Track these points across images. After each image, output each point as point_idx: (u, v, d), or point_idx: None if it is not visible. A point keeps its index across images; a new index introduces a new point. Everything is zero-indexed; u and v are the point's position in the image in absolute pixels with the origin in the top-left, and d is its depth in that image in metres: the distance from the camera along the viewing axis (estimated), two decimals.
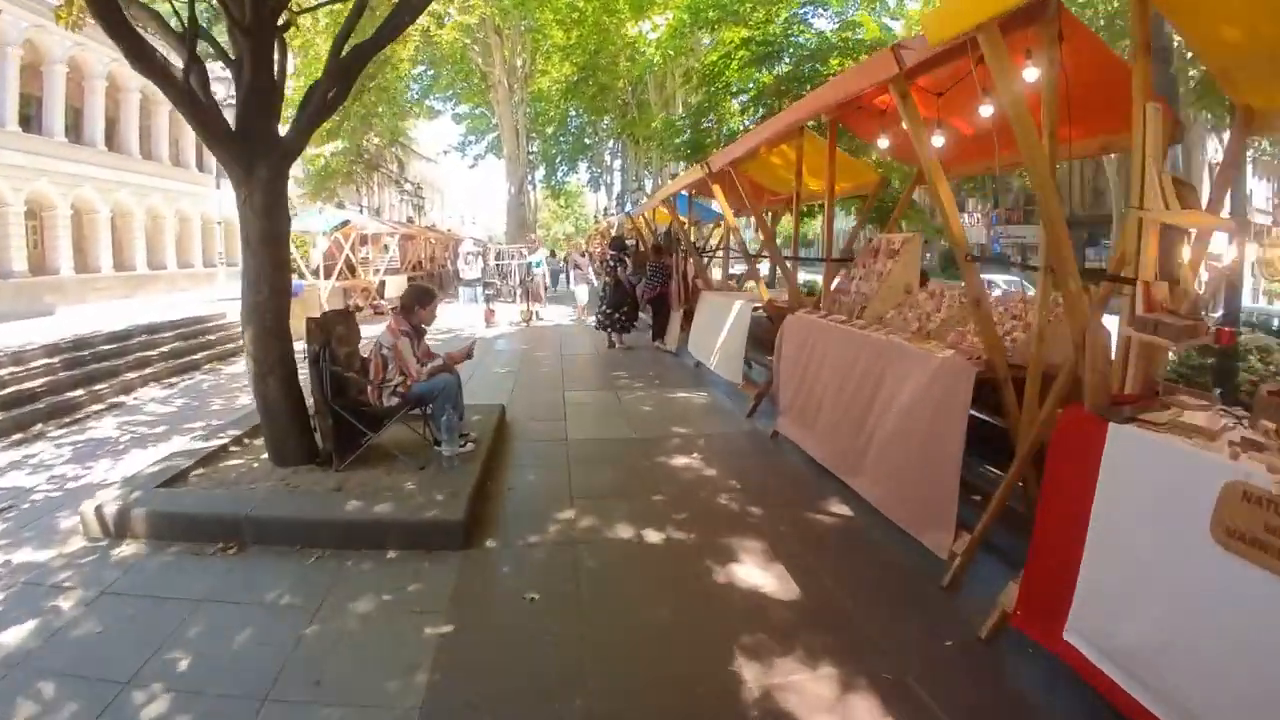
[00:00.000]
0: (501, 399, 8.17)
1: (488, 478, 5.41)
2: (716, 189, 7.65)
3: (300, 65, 21.52)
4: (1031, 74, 3.64)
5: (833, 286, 6.50)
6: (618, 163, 49.63)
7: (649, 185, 34.88)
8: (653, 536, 4.49)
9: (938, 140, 4.95)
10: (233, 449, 5.99)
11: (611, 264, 12.30)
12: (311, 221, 17.13)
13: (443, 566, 4.11)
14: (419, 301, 5.64)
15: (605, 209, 46.35)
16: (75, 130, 26.81)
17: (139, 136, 29.77)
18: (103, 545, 4.47)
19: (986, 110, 4.47)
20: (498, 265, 17.47)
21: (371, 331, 6.29)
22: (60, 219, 26.09)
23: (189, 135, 29.45)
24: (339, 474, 5.20)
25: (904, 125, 5.34)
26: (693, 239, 14.27)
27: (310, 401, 5.36)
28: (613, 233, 17.97)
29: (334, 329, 5.41)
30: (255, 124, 5.04)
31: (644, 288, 13.66)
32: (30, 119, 24.87)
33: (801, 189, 7.09)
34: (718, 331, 8.36)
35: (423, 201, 48.73)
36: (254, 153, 5.01)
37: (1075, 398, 4.59)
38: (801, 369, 5.93)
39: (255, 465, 5.53)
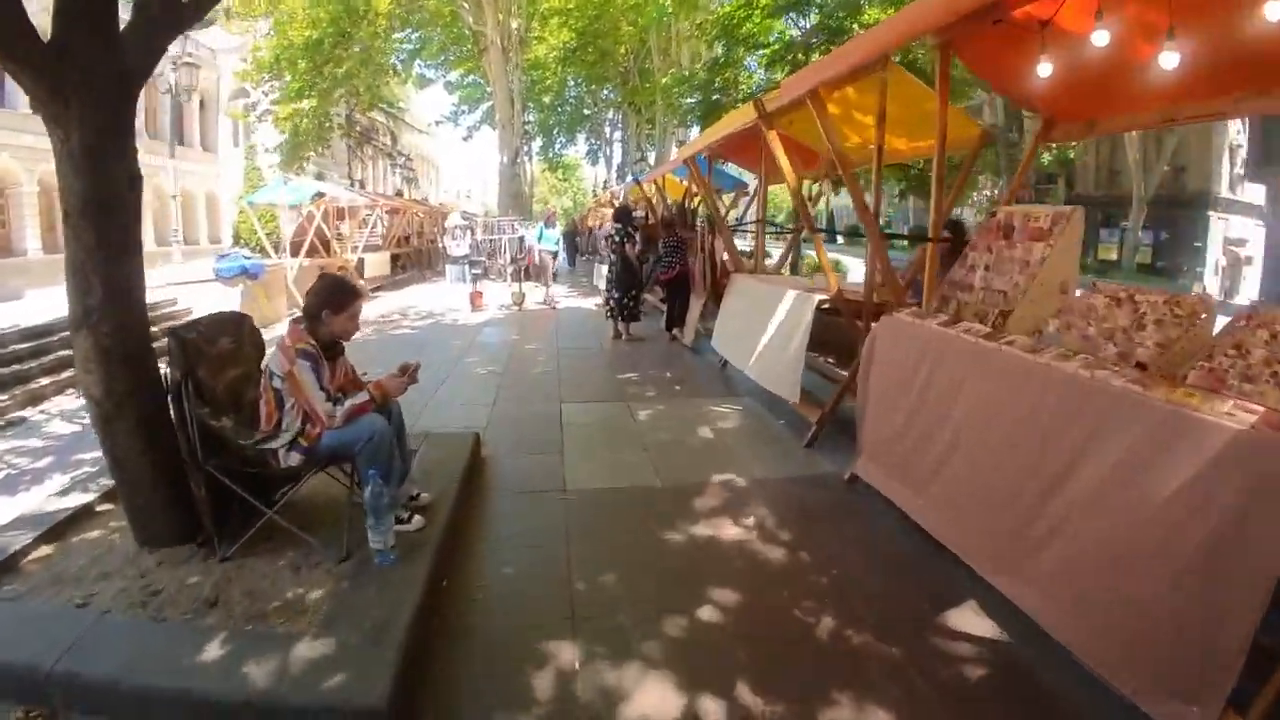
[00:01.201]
0: (479, 418, 6.39)
1: (443, 572, 3.59)
2: (774, 139, 5.72)
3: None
4: None
5: (949, 278, 4.62)
6: (618, 134, 48.05)
7: (652, 157, 32.98)
8: (713, 711, 2.68)
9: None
10: (100, 509, 4.21)
11: (618, 239, 10.39)
12: (277, 193, 15.20)
13: None
14: (329, 303, 3.59)
15: (605, 182, 44.51)
16: None
17: None
18: None
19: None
20: (487, 241, 15.43)
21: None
22: (25, 196, 24.45)
23: (161, 104, 27.47)
24: (223, 565, 3.42)
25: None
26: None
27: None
28: (617, 203, 15.98)
29: (208, 347, 3.59)
30: (75, 35, 3.17)
31: (653, 267, 11.87)
32: None
33: (878, 145, 5.24)
34: (759, 328, 6.51)
35: (413, 174, 46.75)
36: (73, 75, 3.14)
37: None
38: (911, 398, 4.11)
39: (117, 542, 3.75)
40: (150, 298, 11.45)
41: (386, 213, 24.36)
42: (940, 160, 4.61)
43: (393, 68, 23.33)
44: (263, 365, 3.65)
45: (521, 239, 15.08)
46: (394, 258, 24.12)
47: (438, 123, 43.16)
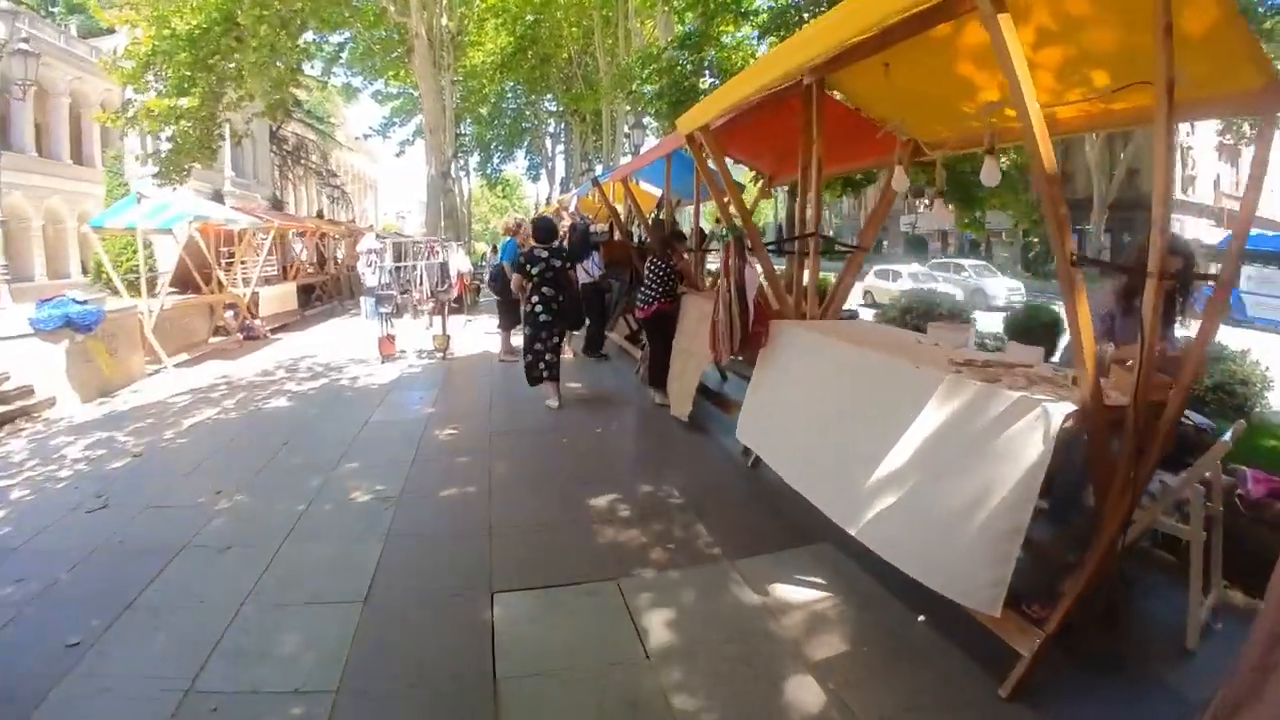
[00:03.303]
0: (327, 659, 3.09)
1: None
2: (1007, 32, 2.44)
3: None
4: None
5: None
6: (560, 148, 45.20)
7: (598, 169, 29.92)
8: None
9: None
10: None
11: (556, 264, 7.23)
12: (129, 214, 11.61)
13: None
14: None
15: (548, 197, 41.46)
16: None
17: None
18: None
19: None
20: (397, 269, 11.92)
21: None
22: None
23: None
24: None
25: None
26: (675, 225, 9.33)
27: None
28: (566, 214, 12.60)
29: None
30: None
31: (617, 297, 8.92)
32: None
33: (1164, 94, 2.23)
34: (872, 445, 3.33)
35: (340, 192, 42.99)
36: None
37: None
38: None
39: None
40: None
41: (297, 235, 20.83)
42: None
43: (296, 68, 19.42)
44: None
45: (444, 265, 11.68)
46: (307, 289, 20.55)
47: (366, 136, 39.52)
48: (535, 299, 7.23)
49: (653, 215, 9.67)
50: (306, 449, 6.34)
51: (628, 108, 22.85)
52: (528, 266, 7.22)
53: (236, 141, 17.70)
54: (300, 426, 7.13)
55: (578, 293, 7.93)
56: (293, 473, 5.67)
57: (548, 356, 7.33)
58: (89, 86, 27.68)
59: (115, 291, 12.48)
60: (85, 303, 10.16)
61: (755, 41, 11.46)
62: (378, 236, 14.46)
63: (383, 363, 10.39)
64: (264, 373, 10.41)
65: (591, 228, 10.17)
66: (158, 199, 12.05)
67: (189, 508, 5.07)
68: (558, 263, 7.27)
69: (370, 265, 13.40)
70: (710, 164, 5.77)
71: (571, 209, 12.23)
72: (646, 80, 12.08)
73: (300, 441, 6.57)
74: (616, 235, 9.63)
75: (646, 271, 7.31)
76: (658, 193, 10.49)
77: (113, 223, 12.10)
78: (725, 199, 5.65)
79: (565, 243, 9.12)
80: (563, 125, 42.19)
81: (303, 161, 46.44)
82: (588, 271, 9.51)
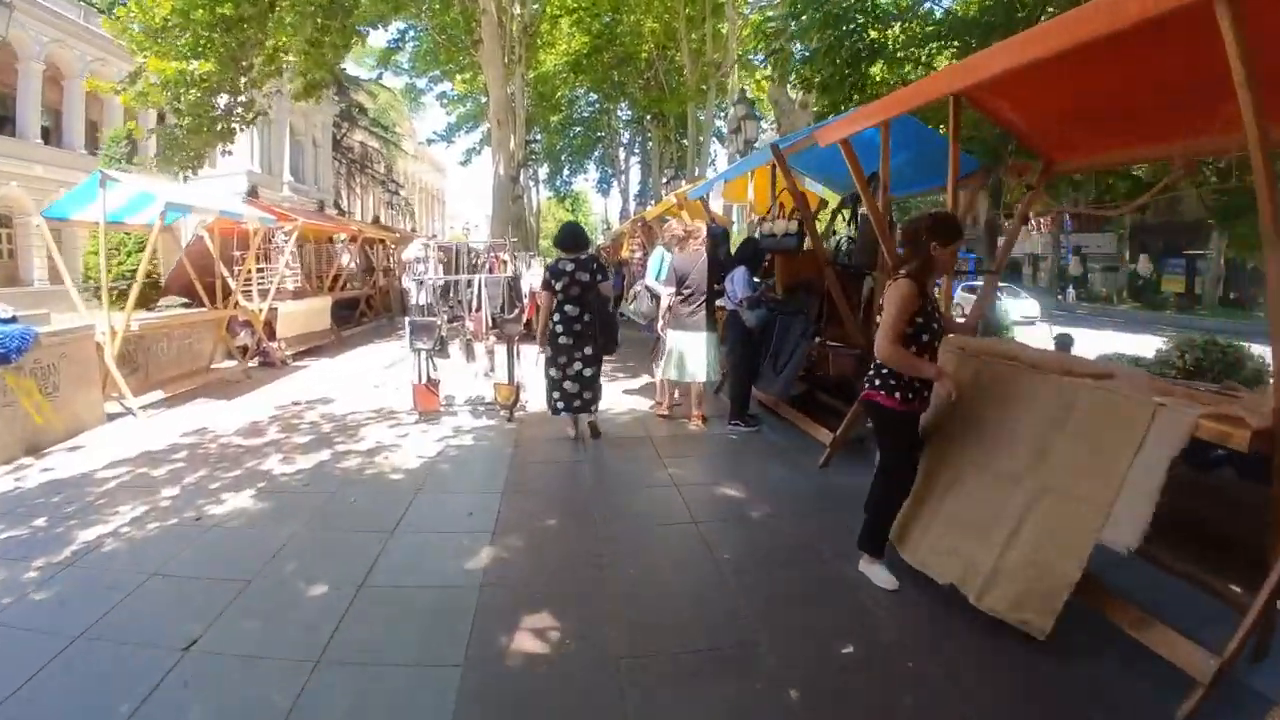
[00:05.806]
0: None
1: None
2: None
3: None
4: None
5: None
6: (634, 159, 42.65)
7: (681, 183, 26.84)
8: None
9: None
10: None
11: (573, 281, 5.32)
12: (90, 203, 8.50)
13: None
14: None
15: (621, 211, 38.79)
16: None
17: None
18: None
19: None
20: (445, 287, 8.45)
21: None
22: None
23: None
24: None
25: None
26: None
27: None
28: (683, 219, 9.07)
29: None
30: None
31: (786, 335, 5.87)
32: None
33: None
34: None
35: (402, 201, 40.66)
36: None
37: None
38: None
39: None
40: None
41: (344, 241, 17.92)
42: None
43: (341, 45, 16.23)
44: None
45: (513, 282, 8.31)
46: (352, 303, 17.58)
47: (430, 141, 37.03)
48: (556, 317, 6.43)
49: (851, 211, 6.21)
50: (224, 666, 3.02)
51: (720, 105, 19.66)
52: (552, 281, 6.35)
53: (250, 123, 14.63)
54: (241, 585, 3.77)
55: (609, 311, 6.80)
56: None
57: (566, 385, 6.48)
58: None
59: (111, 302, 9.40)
60: (13, 320, 7.16)
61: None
62: (424, 243, 11.22)
63: (418, 419, 7.14)
64: (251, 428, 7.26)
65: (761, 229, 6.76)
66: (140, 187, 8.96)
67: None
68: (585, 276, 6.38)
69: (417, 279, 10.19)
70: None
71: (719, 204, 8.80)
72: (800, 34, 8.59)
73: (222, 636, 3.25)
74: (810, 243, 6.09)
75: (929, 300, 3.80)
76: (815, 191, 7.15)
77: (78, 214, 9.08)
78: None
79: (701, 248, 6.31)
80: (638, 135, 39.64)
81: (367, 170, 44.77)
82: (746, 297, 6.17)
